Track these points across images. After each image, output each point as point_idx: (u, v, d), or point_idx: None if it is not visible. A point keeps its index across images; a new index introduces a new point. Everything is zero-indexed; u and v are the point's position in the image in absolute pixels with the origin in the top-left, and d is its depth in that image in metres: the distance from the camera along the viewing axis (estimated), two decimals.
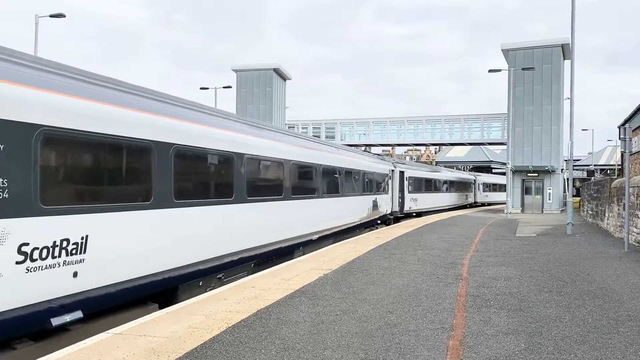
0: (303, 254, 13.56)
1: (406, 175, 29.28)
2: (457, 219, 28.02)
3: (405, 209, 29.04)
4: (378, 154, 31.46)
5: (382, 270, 10.46)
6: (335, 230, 16.81)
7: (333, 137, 47.24)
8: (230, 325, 6.35)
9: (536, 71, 36.20)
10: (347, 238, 17.59)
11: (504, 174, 53.56)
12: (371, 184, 21.57)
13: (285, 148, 12.82)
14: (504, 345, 5.67)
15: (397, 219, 27.70)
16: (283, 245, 12.50)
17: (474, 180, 51.37)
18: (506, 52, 38.17)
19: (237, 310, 7.14)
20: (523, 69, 35.22)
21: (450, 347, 5.60)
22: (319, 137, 45.91)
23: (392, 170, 26.28)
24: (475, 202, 51.43)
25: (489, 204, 55.20)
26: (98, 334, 6.14)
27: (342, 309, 7.26)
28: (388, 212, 25.11)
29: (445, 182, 39.84)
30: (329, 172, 16.15)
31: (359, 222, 19.93)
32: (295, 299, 7.84)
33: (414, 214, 31.19)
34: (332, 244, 15.92)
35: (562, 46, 36.54)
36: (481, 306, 7.51)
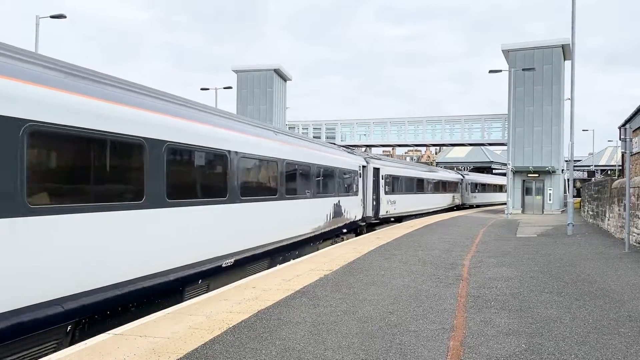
0: (204, 292, 9.27)
1: (382, 172, 24.34)
2: (457, 220, 28.01)
3: (381, 214, 23.99)
4: (347, 147, 25.26)
5: (382, 271, 10.46)
6: (267, 249, 11.68)
7: (333, 138, 47.25)
8: (231, 326, 6.35)
9: (536, 72, 36.20)
10: (292, 258, 13.03)
11: (503, 174, 53.56)
12: (332, 183, 16.85)
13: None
14: (505, 346, 5.67)
15: (370, 226, 23.03)
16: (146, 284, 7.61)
17: (461, 179, 46.30)
18: (506, 53, 38.18)
19: (238, 310, 7.14)
20: (523, 69, 35.23)
21: (450, 347, 5.60)
22: (319, 137, 45.94)
23: (364, 167, 21.55)
24: (462, 204, 46.25)
25: (478, 206, 50.71)
26: (99, 334, 6.15)
27: (343, 309, 7.26)
28: (358, 218, 20.41)
29: (429, 181, 34.99)
30: (251, 165, 11.09)
31: (311, 234, 14.74)
32: (296, 299, 7.84)
33: (392, 219, 26.16)
34: (266, 268, 11.57)
35: (563, 46, 36.54)
36: (482, 307, 7.51)
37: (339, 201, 17.47)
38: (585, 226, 24.38)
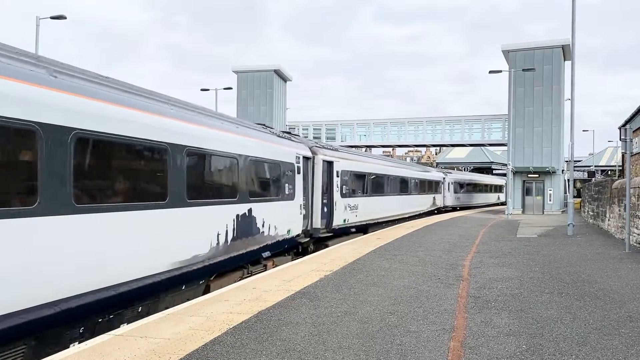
0: None
1: (337, 168, 17.91)
2: (457, 220, 28.00)
3: (336, 224, 17.71)
4: (286, 133, 16.63)
5: (383, 272, 10.46)
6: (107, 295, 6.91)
7: (334, 139, 47.25)
8: (231, 327, 6.35)
9: (537, 72, 36.20)
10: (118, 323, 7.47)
11: (503, 174, 53.48)
12: (230, 181, 10.49)
13: None
14: (505, 347, 5.66)
15: (321, 241, 16.92)
16: None
17: (443, 178, 39.59)
18: (506, 53, 38.19)
19: (238, 311, 7.14)
20: (523, 69, 35.23)
21: (451, 348, 5.60)
22: (319, 138, 45.94)
23: (307, 159, 15.49)
24: (444, 206, 39.45)
25: (462, 208, 43.93)
26: (99, 335, 6.15)
27: (343, 310, 7.26)
28: (296, 234, 14.18)
29: (404, 180, 27.91)
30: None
31: (173, 273, 8.34)
32: (296, 300, 7.84)
33: (353, 230, 19.90)
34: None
35: (563, 47, 36.56)
36: (482, 307, 7.51)
37: (248, 210, 10.96)
38: (585, 226, 24.38)
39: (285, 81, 50.24)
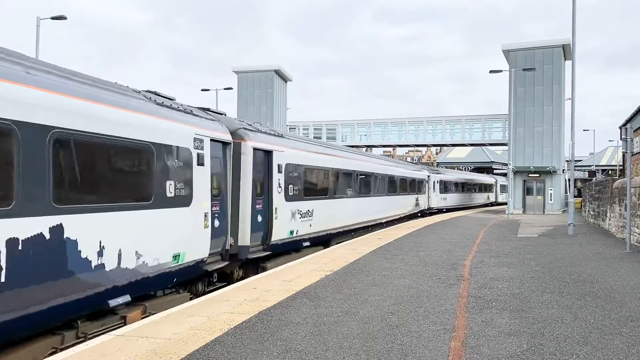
0: None
1: (279, 160, 13.17)
2: (457, 220, 28.00)
3: (278, 237, 13.01)
4: (189, 107, 10.33)
5: (383, 272, 10.46)
6: None
7: (334, 139, 47.27)
8: (232, 327, 6.35)
9: (537, 72, 36.19)
10: None
11: (504, 174, 53.38)
12: (24, 178, 5.80)
13: None
14: (506, 346, 5.66)
15: (253, 264, 12.22)
16: None
17: (428, 176, 34.94)
18: (507, 53, 38.18)
19: (239, 311, 7.14)
20: (524, 69, 35.21)
21: (452, 348, 5.60)
22: (319, 138, 45.96)
23: (227, 145, 11.09)
24: (429, 208, 34.95)
25: (449, 210, 39.39)
26: (100, 335, 6.14)
27: (344, 310, 7.26)
28: (202, 258, 9.59)
29: (376, 177, 22.73)
30: None
31: None
32: (297, 300, 7.84)
33: (306, 244, 14.95)
34: None
35: (563, 47, 36.55)
36: (483, 307, 7.51)
37: (54, 229, 6.22)
38: (586, 226, 24.37)
39: (286, 81, 50.25)
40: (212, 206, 9.94)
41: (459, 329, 6.32)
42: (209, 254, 9.84)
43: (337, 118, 60.04)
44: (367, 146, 48.70)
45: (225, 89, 43.28)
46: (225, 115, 12.60)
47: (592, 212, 27.46)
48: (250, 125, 12.92)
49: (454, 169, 60.73)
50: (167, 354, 5.34)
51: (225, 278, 11.42)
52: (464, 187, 46.40)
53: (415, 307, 7.48)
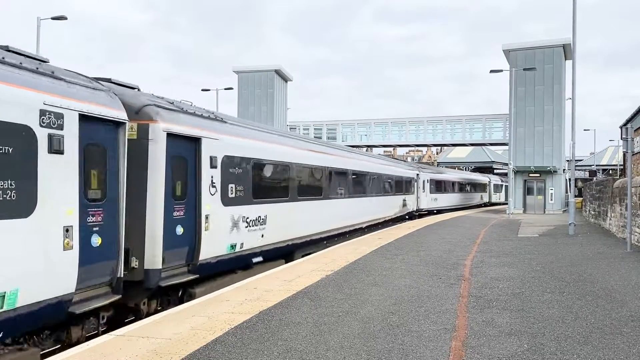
0: None
1: (212, 152, 9.94)
2: (458, 220, 27.99)
3: (211, 253, 9.85)
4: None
5: (384, 271, 10.46)
6: None
7: (335, 139, 47.27)
8: (232, 327, 6.35)
9: (537, 71, 36.17)
10: None
11: (505, 174, 53.29)
12: None
13: None
14: (507, 346, 5.66)
15: (171, 292, 9.24)
16: None
17: (417, 175, 31.78)
18: (507, 53, 38.17)
19: (240, 311, 7.15)
20: (524, 69, 35.19)
21: (452, 348, 5.60)
22: (320, 138, 45.95)
23: (120, 125, 7.65)
24: (418, 210, 31.88)
25: (440, 211, 36.29)
26: (101, 335, 6.15)
27: (345, 310, 7.26)
28: (62, 294, 6.36)
29: (353, 175, 19.34)
30: None
31: None
32: (298, 300, 7.84)
33: (258, 259, 11.84)
34: None
35: (564, 46, 36.54)
36: (483, 307, 7.51)
37: None
38: (586, 226, 24.36)
39: (286, 81, 50.26)
40: (87, 215, 6.93)
41: (460, 329, 6.32)
42: (77, 288, 6.65)
43: (338, 118, 59.95)
44: (368, 146, 48.71)
45: (225, 89, 43.27)
46: (137, 89, 9.44)
47: (592, 212, 27.46)
48: (170, 103, 9.47)
49: (455, 168, 60.58)
50: (168, 354, 5.34)
51: (135, 314, 8.51)
52: (458, 186, 44.08)
53: (415, 306, 7.48)
